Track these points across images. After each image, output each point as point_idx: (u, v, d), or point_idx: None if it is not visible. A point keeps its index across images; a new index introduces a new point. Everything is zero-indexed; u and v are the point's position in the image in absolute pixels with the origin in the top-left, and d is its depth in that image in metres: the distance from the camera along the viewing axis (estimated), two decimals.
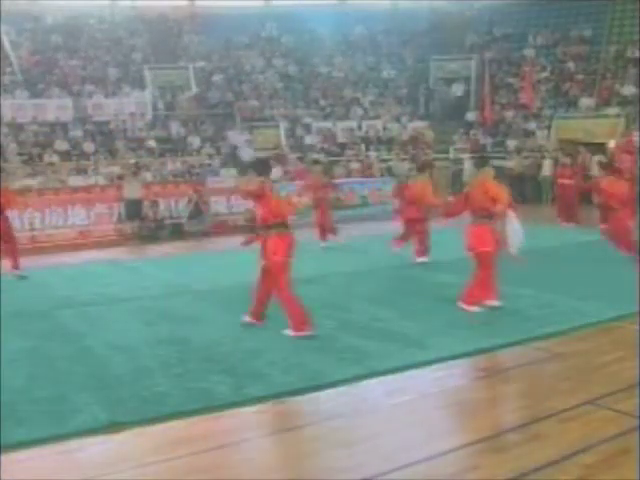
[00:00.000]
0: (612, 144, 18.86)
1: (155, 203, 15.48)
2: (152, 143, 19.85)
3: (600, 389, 4.99)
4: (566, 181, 14.89)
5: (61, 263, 12.04)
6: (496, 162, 20.74)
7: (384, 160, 20.69)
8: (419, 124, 22.98)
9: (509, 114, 22.71)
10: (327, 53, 26.01)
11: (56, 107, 20.10)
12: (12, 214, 14.11)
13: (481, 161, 8.03)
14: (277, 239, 6.57)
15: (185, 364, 5.83)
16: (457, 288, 8.37)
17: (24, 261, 12.24)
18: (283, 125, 21.76)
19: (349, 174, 19.55)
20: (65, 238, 14.52)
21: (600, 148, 18.53)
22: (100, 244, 14.25)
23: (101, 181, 17.01)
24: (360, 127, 22.61)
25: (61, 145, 19.15)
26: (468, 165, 20.64)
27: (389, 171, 20.01)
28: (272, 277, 6.63)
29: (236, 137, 20.95)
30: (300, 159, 19.55)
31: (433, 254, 10.78)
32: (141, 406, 4.91)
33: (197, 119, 21.80)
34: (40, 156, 18.27)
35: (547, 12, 25.90)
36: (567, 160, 15.49)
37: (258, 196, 6.71)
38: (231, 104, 22.51)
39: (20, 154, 18.24)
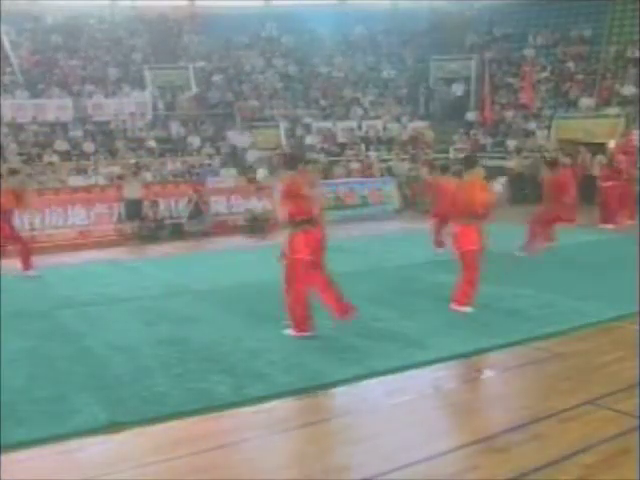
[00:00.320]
0: (612, 144, 18.87)
1: (155, 203, 15.47)
2: (152, 143, 19.86)
3: (600, 389, 4.99)
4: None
5: (61, 263, 12.03)
6: (496, 162, 20.86)
7: (384, 160, 20.69)
8: (419, 124, 22.98)
9: (509, 114, 22.71)
10: (327, 53, 26.02)
11: (56, 107, 20.11)
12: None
13: (470, 162, 7.78)
14: (302, 236, 6.45)
15: (185, 364, 5.83)
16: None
17: None
18: (283, 125, 21.76)
19: (349, 174, 19.55)
20: (65, 238, 14.51)
21: (600, 148, 18.54)
22: (100, 244, 14.24)
23: (101, 181, 17.02)
24: (360, 127, 22.61)
25: (61, 145, 19.15)
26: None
27: (389, 171, 20.01)
28: (289, 273, 6.54)
29: (236, 137, 20.97)
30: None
31: (430, 254, 10.80)
32: (141, 406, 4.91)
33: (197, 119, 21.81)
34: (40, 156, 18.27)
35: (547, 12, 25.91)
36: (567, 160, 15.49)
37: (291, 193, 6.57)
38: (231, 104, 22.52)
39: (20, 154, 18.24)
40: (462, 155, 20.62)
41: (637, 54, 22.26)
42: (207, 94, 22.93)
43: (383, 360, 5.77)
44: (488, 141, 22.03)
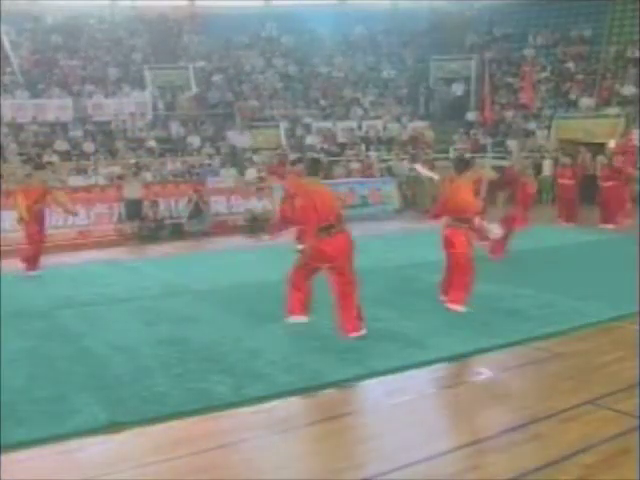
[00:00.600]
0: (612, 144, 18.88)
1: (155, 203, 15.48)
2: (152, 143, 19.86)
3: (600, 389, 4.99)
4: (566, 181, 14.89)
5: (61, 263, 12.03)
6: (496, 162, 20.84)
7: (384, 160, 20.70)
8: (419, 124, 22.99)
9: (509, 114, 22.72)
10: (327, 53, 26.03)
11: (56, 107, 20.13)
12: (12, 214, 14.20)
13: (462, 165, 7.73)
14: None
15: (185, 364, 5.82)
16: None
17: None
18: (283, 125, 21.77)
19: (349, 174, 19.56)
20: (65, 238, 14.51)
21: (600, 148, 18.55)
22: (100, 244, 14.24)
23: (101, 181, 17.02)
24: (360, 127, 22.63)
25: (61, 145, 19.17)
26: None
27: (389, 171, 20.02)
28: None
29: (236, 137, 20.98)
30: (300, 159, 19.55)
31: (432, 254, 10.76)
32: (141, 406, 4.91)
33: (197, 119, 21.82)
34: (40, 156, 18.26)
35: (547, 12, 25.92)
36: (567, 160, 15.50)
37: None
38: (231, 104, 22.53)
39: (20, 154, 18.24)
40: (456, 156, 20.75)
41: (637, 54, 22.27)
42: (207, 94, 22.93)
43: (383, 360, 5.76)
44: (488, 141, 21.96)
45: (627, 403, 4.71)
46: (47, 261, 12.34)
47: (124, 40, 24.50)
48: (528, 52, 24.53)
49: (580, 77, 22.86)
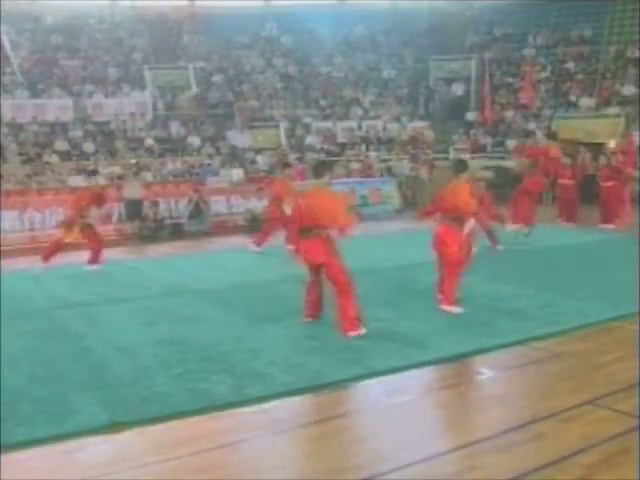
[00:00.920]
0: (612, 144, 18.87)
1: (155, 203, 15.48)
2: (152, 143, 19.86)
3: (600, 389, 4.99)
4: (566, 181, 14.89)
5: (61, 263, 12.02)
6: (496, 162, 20.85)
7: (384, 160, 20.70)
8: (419, 124, 22.99)
9: (509, 114, 22.72)
10: (327, 53, 26.02)
11: (56, 107, 20.11)
12: (12, 214, 14.22)
13: (460, 166, 7.80)
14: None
15: (185, 364, 5.83)
16: (457, 288, 8.38)
17: (24, 261, 12.28)
18: (283, 125, 21.77)
19: (349, 174, 19.56)
20: None
21: (600, 148, 18.54)
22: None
23: (101, 181, 17.01)
24: (360, 127, 22.62)
25: (61, 145, 19.15)
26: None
27: (389, 171, 20.02)
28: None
29: (236, 137, 20.99)
30: (299, 159, 19.58)
31: (432, 254, 10.75)
32: (141, 406, 4.91)
33: (197, 119, 21.82)
34: (40, 156, 18.27)
35: (547, 12, 25.91)
36: (567, 160, 15.49)
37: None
38: (231, 104, 22.53)
39: (20, 154, 18.24)
40: (462, 155, 20.74)
41: (637, 54, 22.27)
42: (207, 94, 22.93)
43: (383, 360, 5.77)
44: (488, 141, 22.03)
45: (627, 403, 4.71)
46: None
47: (124, 40, 24.49)
48: (528, 52, 24.52)
49: (580, 77, 22.86)
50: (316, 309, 7.00)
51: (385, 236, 13.98)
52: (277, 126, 21.76)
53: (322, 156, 20.23)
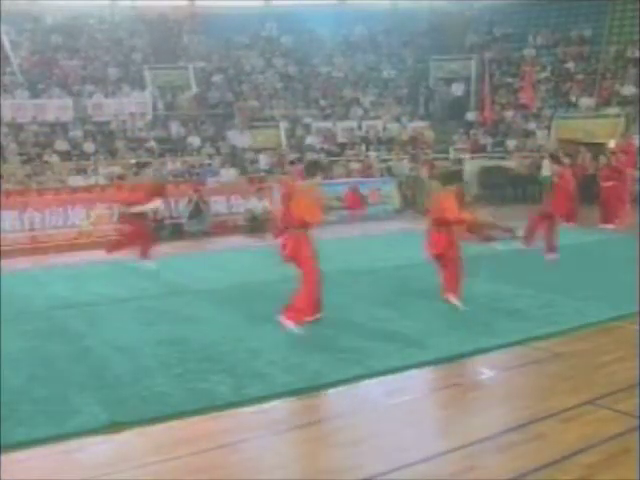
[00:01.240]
0: (612, 144, 18.88)
1: None
2: (152, 143, 19.87)
3: (600, 389, 4.99)
4: None
5: (61, 263, 12.03)
6: (496, 162, 20.87)
7: (384, 160, 20.70)
8: (419, 124, 22.99)
9: (509, 114, 22.72)
10: (327, 53, 26.02)
11: (56, 107, 20.11)
12: (12, 214, 14.22)
13: (449, 178, 8.11)
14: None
15: (185, 364, 5.82)
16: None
17: (24, 261, 12.30)
18: (283, 125, 21.77)
19: (349, 174, 19.56)
20: (65, 238, 14.52)
21: (600, 148, 18.54)
22: (100, 244, 14.22)
23: (101, 181, 17.02)
24: (360, 127, 22.62)
25: (61, 145, 19.16)
26: (469, 165, 20.69)
27: (389, 171, 20.03)
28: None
29: (236, 137, 20.99)
30: (300, 159, 19.58)
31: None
32: (141, 406, 4.91)
33: (197, 119, 21.82)
34: (40, 156, 18.27)
35: (547, 12, 25.92)
36: (567, 160, 15.49)
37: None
38: (231, 104, 22.53)
39: (20, 154, 18.25)
40: (462, 155, 20.73)
41: (637, 54, 22.27)
42: (207, 94, 22.93)
43: (383, 360, 5.76)
44: (488, 141, 22.03)
45: (627, 403, 4.71)
46: (47, 261, 12.37)
47: (124, 40, 24.48)
48: (528, 52, 24.52)
49: (580, 77, 22.86)
50: (314, 307, 7.00)
51: (385, 236, 13.98)
52: (277, 126, 21.76)
53: (322, 156, 20.24)
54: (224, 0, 26.64)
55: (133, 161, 17.53)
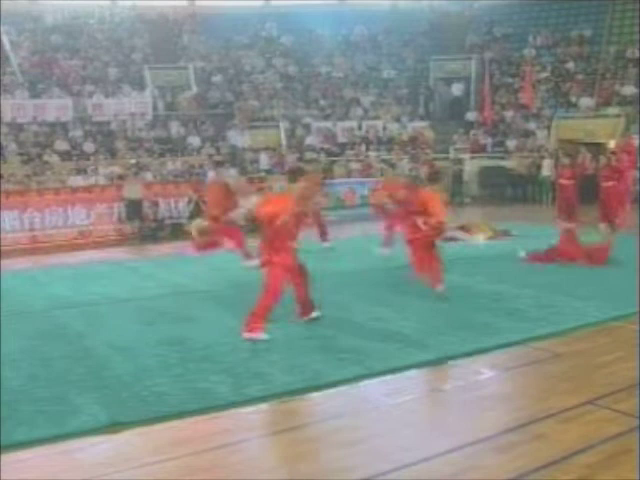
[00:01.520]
0: (612, 144, 18.87)
1: (155, 203, 15.47)
2: (152, 143, 19.86)
3: (600, 389, 4.99)
4: (566, 181, 14.87)
5: (61, 263, 12.03)
6: (496, 162, 20.86)
7: (384, 160, 20.70)
8: (419, 124, 22.99)
9: (509, 114, 22.72)
10: (327, 53, 26.00)
11: (56, 107, 20.12)
12: (12, 214, 14.22)
13: (434, 177, 9.01)
14: None
15: (185, 364, 5.83)
16: (458, 289, 8.39)
17: (24, 261, 12.29)
18: (283, 125, 21.76)
19: (349, 174, 19.56)
20: (65, 238, 14.52)
21: (600, 148, 18.55)
22: (100, 244, 14.24)
23: (101, 181, 17.02)
24: (360, 127, 22.62)
25: (61, 145, 19.16)
26: (469, 165, 20.70)
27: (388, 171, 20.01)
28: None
29: (236, 137, 20.98)
30: (299, 159, 19.59)
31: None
32: (141, 406, 4.91)
33: (197, 119, 21.82)
34: (40, 156, 18.27)
35: (547, 12, 25.93)
36: (567, 160, 15.49)
37: None
38: (231, 104, 22.53)
39: (20, 154, 18.25)
40: (462, 155, 20.73)
41: (637, 54, 22.27)
42: (207, 94, 22.93)
43: (383, 360, 5.77)
44: (488, 141, 22.03)
45: (627, 403, 4.71)
46: (47, 261, 12.37)
47: (124, 40, 24.47)
48: (528, 52, 24.50)
49: (580, 77, 22.85)
50: (306, 307, 7.02)
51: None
52: (277, 126, 21.75)
53: (322, 156, 20.25)
54: (224, 0, 26.64)
55: (133, 161, 17.55)
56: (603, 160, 15.19)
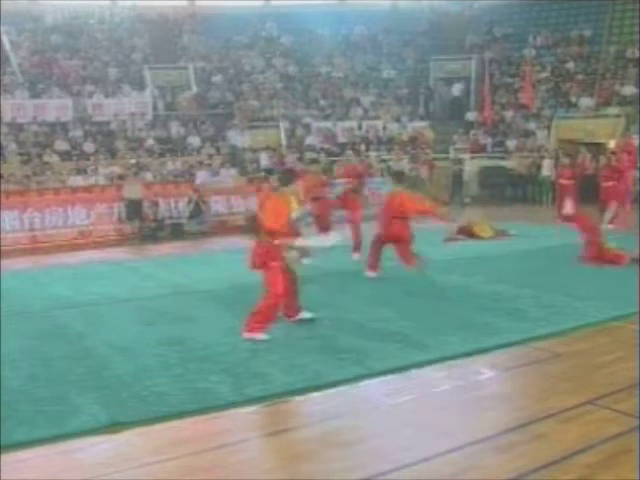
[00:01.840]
0: (612, 144, 18.88)
1: (155, 203, 15.48)
2: (152, 143, 19.87)
3: (600, 389, 4.99)
4: (566, 181, 14.90)
5: (61, 263, 12.03)
6: (496, 162, 20.86)
7: (384, 160, 20.70)
8: (419, 124, 22.99)
9: (509, 114, 22.72)
10: (327, 53, 26.02)
11: (56, 107, 20.13)
12: (12, 214, 14.22)
13: (397, 178, 9.90)
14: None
15: (185, 364, 5.82)
16: (457, 289, 8.40)
17: (24, 261, 12.29)
18: (283, 125, 21.77)
19: None
20: (65, 238, 14.52)
21: (600, 148, 18.56)
22: (100, 244, 14.24)
23: (101, 181, 17.02)
24: (360, 127, 22.62)
25: (61, 145, 19.17)
26: (469, 165, 20.69)
27: (389, 171, 20.01)
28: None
29: (236, 137, 20.99)
30: (299, 159, 19.59)
31: (432, 254, 10.77)
32: (141, 406, 4.91)
33: (197, 119, 21.82)
34: (40, 156, 18.28)
35: (547, 12, 25.94)
36: (567, 160, 15.51)
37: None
38: (231, 104, 22.53)
39: (20, 154, 18.25)
40: (462, 155, 20.72)
41: (637, 54, 22.27)
42: (207, 94, 22.94)
43: (383, 360, 5.76)
44: (488, 141, 22.03)
45: (627, 403, 4.71)
46: (47, 261, 12.37)
47: (124, 40, 24.49)
48: (528, 52, 24.51)
49: (580, 77, 22.86)
50: (294, 307, 7.00)
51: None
52: (277, 126, 21.76)
53: (322, 156, 20.23)
54: (224, 0, 26.65)
55: (133, 161, 17.56)
56: (603, 160, 15.19)
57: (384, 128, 22.70)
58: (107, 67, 22.72)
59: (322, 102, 23.61)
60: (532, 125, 21.81)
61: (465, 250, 11.47)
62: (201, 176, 17.71)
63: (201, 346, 6.34)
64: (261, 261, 6.58)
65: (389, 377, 5.46)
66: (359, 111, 23.34)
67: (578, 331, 6.54)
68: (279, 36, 26.30)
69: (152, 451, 4.28)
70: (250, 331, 6.47)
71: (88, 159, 18.58)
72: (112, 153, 19.22)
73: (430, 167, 19.87)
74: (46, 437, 4.43)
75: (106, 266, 11.38)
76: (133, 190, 15.26)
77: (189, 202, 15.58)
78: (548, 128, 21.36)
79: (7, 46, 21.77)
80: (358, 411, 4.85)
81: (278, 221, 6.52)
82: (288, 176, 7.07)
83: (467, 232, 12.74)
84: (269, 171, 18.51)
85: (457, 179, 20.23)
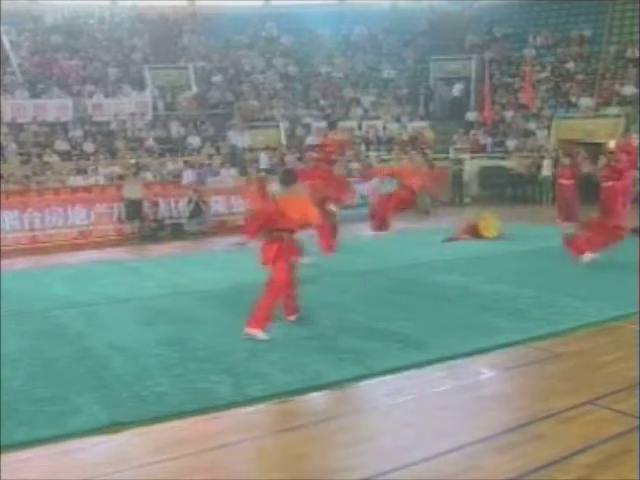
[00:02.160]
0: (612, 144, 18.86)
1: (155, 203, 15.48)
2: (152, 143, 19.86)
3: (600, 389, 4.99)
4: (566, 181, 14.89)
5: (61, 263, 12.03)
6: (496, 162, 20.85)
7: (384, 160, 20.69)
8: (419, 124, 22.98)
9: (509, 114, 22.71)
10: (327, 53, 26.00)
11: (56, 107, 20.12)
12: (12, 214, 14.22)
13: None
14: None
15: (185, 364, 5.83)
16: (457, 289, 8.40)
17: (24, 261, 12.30)
18: (283, 125, 21.76)
19: (349, 174, 19.52)
20: (65, 238, 14.52)
21: (600, 148, 18.54)
22: (100, 244, 14.24)
23: (101, 181, 17.02)
24: (360, 127, 22.61)
25: (61, 145, 19.16)
26: (469, 165, 20.69)
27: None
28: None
29: (236, 137, 20.98)
30: (299, 159, 19.58)
31: (432, 254, 10.79)
32: (141, 406, 4.91)
33: (197, 119, 21.81)
34: (40, 156, 18.27)
35: (547, 12, 25.92)
36: (566, 160, 15.50)
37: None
38: (231, 104, 22.52)
39: (20, 154, 18.24)
40: (462, 155, 20.69)
41: (637, 54, 22.26)
42: (207, 94, 22.93)
43: (383, 360, 5.76)
44: (488, 141, 22.03)
45: (627, 403, 4.71)
46: (47, 261, 12.37)
47: (124, 40, 24.47)
48: (528, 52, 24.49)
49: (580, 77, 22.85)
50: (293, 306, 7.01)
51: (385, 236, 13.96)
52: (277, 126, 21.75)
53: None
54: (224, 0, 26.64)
55: (133, 161, 17.55)
56: (603, 160, 15.18)
57: (384, 128, 22.68)
58: (107, 67, 22.70)
59: (322, 102, 23.60)
60: (532, 125, 21.80)
61: (465, 250, 11.47)
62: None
63: (201, 346, 6.34)
64: (274, 257, 6.60)
65: (389, 377, 5.46)
66: (359, 111, 23.32)
67: (578, 331, 6.54)
68: (279, 36, 26.29)
69: (152, 451, 4.28)
70: (249, 327, 6.47)
71: (88, 159, 18.57)
72: (112, 153, 19.20)
73: (430, 167, 19.84)
74: (46, 437, 4.44)
75: (106, 266, 11.38)
76: (133, 190, 15.26)
77: (189, 202, 15.58)
78: (548, 128, 21.35)
79: (7, 46, 21.75)
80: (358, 411, 4.86)
81: (315, 214, 6.83)
82: (289, 176, 7.07)
83: (473, 231, 12.66)
84: (268, 171, 18.51)
85: (457, 179, 20.22)
